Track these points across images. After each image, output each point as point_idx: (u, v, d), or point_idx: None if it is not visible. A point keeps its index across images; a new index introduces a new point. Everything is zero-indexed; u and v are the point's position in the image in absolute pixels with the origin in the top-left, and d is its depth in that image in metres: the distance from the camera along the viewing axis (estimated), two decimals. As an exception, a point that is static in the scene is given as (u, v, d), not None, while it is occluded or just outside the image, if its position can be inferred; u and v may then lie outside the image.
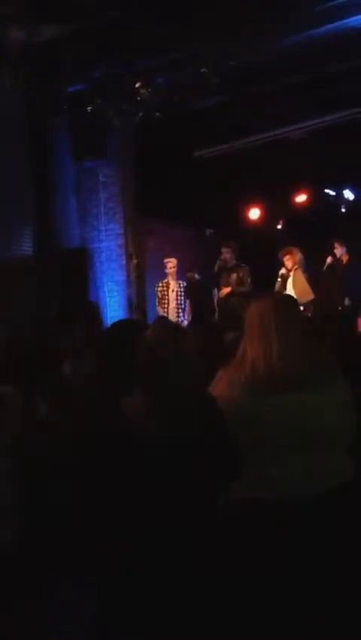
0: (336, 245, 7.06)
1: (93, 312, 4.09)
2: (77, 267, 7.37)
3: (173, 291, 7.42)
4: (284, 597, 1.94)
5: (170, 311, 7.35)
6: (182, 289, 7.47)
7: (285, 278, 7.11)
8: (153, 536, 1.76)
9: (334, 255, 7.28)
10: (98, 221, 7.84)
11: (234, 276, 7.22)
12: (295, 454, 1.99)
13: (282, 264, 7.20)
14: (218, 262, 7.34)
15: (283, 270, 7.18)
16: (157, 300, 7.56)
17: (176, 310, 7.36)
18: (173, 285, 7.45)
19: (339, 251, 7.02)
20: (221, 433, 1.88)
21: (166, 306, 7.42)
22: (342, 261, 7.25)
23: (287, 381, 2.00)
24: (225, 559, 1.86)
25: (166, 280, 7.51)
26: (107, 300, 7.82)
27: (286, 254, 7.14)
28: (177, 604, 1.76)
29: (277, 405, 1.99)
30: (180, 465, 1.78)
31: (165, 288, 7.48)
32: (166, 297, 7.44)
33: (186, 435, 1.81)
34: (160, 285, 7.53)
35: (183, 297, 7.46)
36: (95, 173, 7.77)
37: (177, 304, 7.41)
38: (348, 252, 7.11)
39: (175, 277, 7.46)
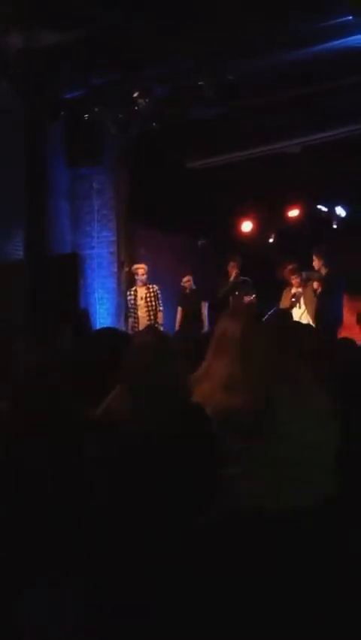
0: (315, 257, 7.05)
1: (79, 323, 4.07)
2: (69, 273, 7.36)
3: (141, 298, 7.31)
4: (267, 611, 1.92)
5: (140, 319, 7.24)
6: (152, 293, 7.33)
7: (298, 296, 7.10)
8: (130, 539, 1.75)
9: (312, 268, 7.25)
10: (90, 227, 7.85)
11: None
12: (279, 466, 1.99)
13: (289, 283, 7.18)
14: (234, 277, 7.45)
15: (294, 289, 7.14)
16: (127, 309, 7.45)
17: (147, 317, 7.24)
18: (141, 291, 7.34)
19: (317, 263, 7.02)
20: (204, 439, 1.88)
21: (134, 314, 7.30)
22: (320, 273, 7.20)
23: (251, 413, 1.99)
24: (206, 570, 1.85)
25: (134, 288, 7.39)
26: (97, 307, 7.81)
27: (292, 272, 7.12)
28: (158, 610, 1.75)
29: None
30: (160, 465, 1.78)
31: (133, 297, 7.36)
32: (134, 306, 7.32)
33: (167, 436, 1.81)
34: (129, 293, 7.42)
35: (154, 302, 7.32)
36: (89, 180, 7.79)
37: (148, 310, 7.27)
38: (326, 264, 7.07)
39: (146, 283, 7.34)
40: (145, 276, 7.31)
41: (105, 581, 1.77)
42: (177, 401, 1.90)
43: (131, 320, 7.37)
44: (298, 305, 7.09)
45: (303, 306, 7.00)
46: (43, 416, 1.97)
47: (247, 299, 7.51)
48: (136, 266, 7.41)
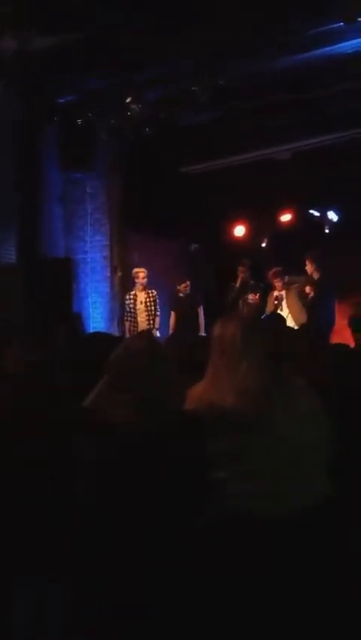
0: (307, 262, 7.08)
1: (73, 324, 4.08)
2: (62, 277, 7.36)
3: (141, 302, 7.35)
4: (258, 615, 1.93)
5: (139, 323, 7.28)
6: (151, 298, 7.39)
7: (280, 299, 7.14)
8: (121, 541, 1.76)
9: (305, 272, 7.29)
10: (84, 232, 7.85)
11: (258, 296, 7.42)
12: (272, 468, 2.00)
13: (272, 286, 7.24)
14: (241, 280, 7.49)
15: (276, 292, 7.20)
16: (125, 313, 7.48)
17: (147, 321, 7.29)
18: (141, 296, 7.39)
19: (310, 268, 7.05)
20: (193, 442, 1.89)
21: (132, 318, 7.32)
22: (313, 278, 7.24)
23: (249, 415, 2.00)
24: (198, 572, 1.86)
25: (133, 292, 7.43)
26: (91, 311, 7.81)
27: (275, 275, 7.18)
28: (146, 609, 1.76)
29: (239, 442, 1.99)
30: (152, 467, 1.79)
31: (132, 301, 7.41)
32: (133, 310, 7.34)
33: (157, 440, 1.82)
34: (128, 297, 7.45)
35: (153, 306, 7.38)
36: (83, 184, 7.80)
37: (147, 315, 7.33)
38: (318, 269, 7.11)
39: (146, 287, 7.40)
40: (145, 280, 7.36)
41: (94, 582, 1.77)
42: (166, 405, 1.91)
43: (128, 324, 7.39)
44: (280, 308, 7.12)
45: (285, 309, 7.04)
46: (44, 415, 1.98)
47: (251, 297, 7.55)
48: (136, 270, 7.44)
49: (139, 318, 7.30)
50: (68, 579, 1.84)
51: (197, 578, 1.83)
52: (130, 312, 7.38)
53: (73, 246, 7.84)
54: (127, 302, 7.43)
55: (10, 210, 6.91)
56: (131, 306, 7.37)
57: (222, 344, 2.11)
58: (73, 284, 7.56)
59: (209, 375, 2.13)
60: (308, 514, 1.99)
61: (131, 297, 7.41)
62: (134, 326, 7.30)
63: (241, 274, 7.65)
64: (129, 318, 7.38)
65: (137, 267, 7.53)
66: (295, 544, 1.97)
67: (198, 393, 2.11)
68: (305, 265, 7.14)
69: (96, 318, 7.80)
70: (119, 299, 7.82)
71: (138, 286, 7.38)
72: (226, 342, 2.10)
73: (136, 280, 7.39)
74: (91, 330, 7.44)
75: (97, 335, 3.66)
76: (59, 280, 7.26)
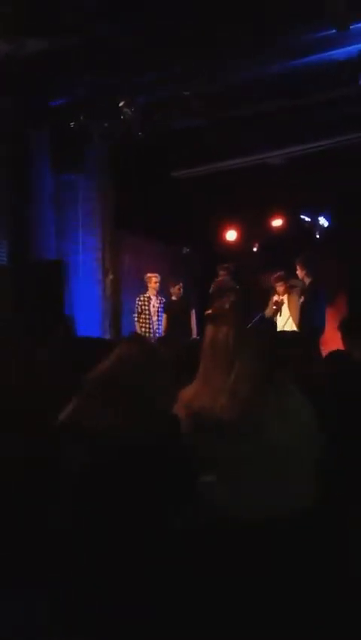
0: (298, 267, 7.10)
1: (69, 325, 4.07)
2: (53, 280, 7.35)
3: (154, 306, 7.54)
4: (254, 618, 1.93)
5: (152, 325, 7.42)
6: (161, 305, 7.59)
7: (280, 304, 7.13)
8: (107, 548, 1.75)
9: (296, 277, 7.30)
10: (75, 234, 7.83)
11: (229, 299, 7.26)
12: (260, 475, 2.00)
13: (274, 290, 7.23)
14: (213, 284, 7.45)
15: (275, 297, 7.19)
16: (136, 314, 7.59)
17: (156, 324, 7.49)
18: (154, 300, 7.55)
19: (301, 273, 7.07)
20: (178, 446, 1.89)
21: (146, 320, 7.46)
22: (304, 283, 7.26)
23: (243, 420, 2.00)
24: (185, 579, 1.85)
25: (147, 295, 7.59)
26: (81, 314, 7.79)
27: (278, 279, 7.16)
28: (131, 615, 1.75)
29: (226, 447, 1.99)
30: (138, 473, 1.78)
31: (145, 303, 7.54)
32: (146, 312, 7.49)
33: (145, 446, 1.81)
34: (141, 298, 7.59)
35: (161, 313, 7.60)
36: (75, 187, 7.78)
37: (158, 319, 7.53)
38: (309, 274, 7.12)
39: (157, 293, 7.58)
40: (158, 285, 7.55)
41: (78, 589, 1.76)
42: (155, 410, 1.89)
43: (139, 325, 7.53)
44: (279, 313, 7.13)
45: (286, 314, 7.05)
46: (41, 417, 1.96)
47: (225, 300, 7.46)
48: (149, 275, 7.60)
49: (152, 320, 7.52)
50: (53, 586, 1.81)
51: (184, 583, 1.83)
52: (142, 313, 7.49)
53: (64, 248, 7.81)
54: (140, 304, 7.54)
55: (1, 212, 6.90)
56: (145, 308, 7.48)
57: (214, 345, 2.11)
58: (64, 286, 7.54)
59: (200, 377, 2.13)
60: (295, 517, 1.99)
61: (145, 299, 7.52)
62: (147, 328, 7.40)
63: (220, 277, 7.59)
64: (142, 321, 7.49)
65: (150, 272, 7.71)
66: (283, 548, 1.97)
67: (188, 396, 2.11)
68: (296, 270, 7.17)
69: (87, 321, 7.78)
70: (110, 302, 7.84)
71: (151, 290, 7.55)
72: (219, 343, 2.10)
73: (149, 285, 7.58)
74: (81, 334, 7.42)
75: (88, 339, 3.65)
76: (50, 282, 7.24)
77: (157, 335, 7.34)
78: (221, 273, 7.63)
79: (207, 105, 6.50)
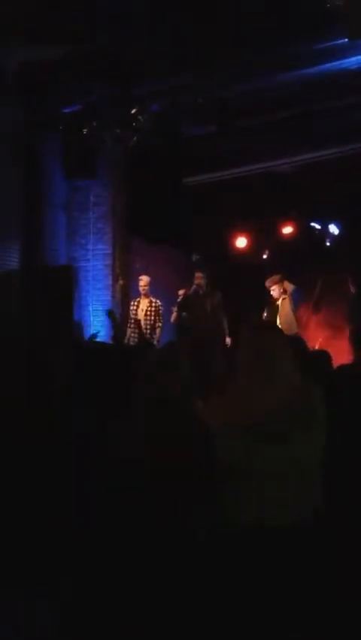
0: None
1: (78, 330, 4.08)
2: (63, 285, 7.38)
3: (142, 310, 7.30)
4: (261, 623, 1.92)
5: (140, 332, 7.23)
6: (153, 308, 7.32)
7: (274, 307, 7.13)
8: (125, 552, 1.76)
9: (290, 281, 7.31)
10: (86, 240, 7.87)
11: (208, 302, 7.12)
12: (275, 482, 2.00)
13: (268, 293, 7.24)
14: (194, 287, 7.17)
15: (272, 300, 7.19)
16: (129, 319, 7.43)
17: (146, 331, 7.21)
18: (143, 304, 7.35)
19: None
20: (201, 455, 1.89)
21: (134, 326, 7.25)
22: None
23: (276, 427, 2.00)
24: (203, 584, 1.85)
25: (138, 299, 7.42)
26: (91, 320, 7.81)
27: (272, 283, 7.17)
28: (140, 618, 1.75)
29: (266, 456, 1.99)
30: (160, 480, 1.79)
31: (134, 307, 7.39)
32: (135, 317, 7.30)
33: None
34: (133, 303, 7.45)
35: (153, 316, 7.31)
36: (86, 193, 7.83)
37: (145, 323, 7.24)
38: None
39: (148, 295, 7.37)
40: (147, 288, 7.34)
41: (91, 595, 1.76)
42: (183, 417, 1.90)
43: (129, 330, 7.37)
44: (273, 317, 7.09)
45: (277, 319, 7.02)
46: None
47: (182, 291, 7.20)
48: (139, 277, 7.45)
49: (137, 327, 7.28)
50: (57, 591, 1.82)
51: (196, 587, 1.83)
52: (131, 319, 7.38)
53: (75, 253, 7.86)
54: (131, 308, 7.44)
55: (13, 217, 6.95)
56: (134, 312, 7.38)
57: (258, 354, 2.10)
58: (74, 291, 7.57)
59: (240, 386, 2.10)
60: (308, 525, 1.99)
61: (135, 304, 7.42)
62: (134, 333, 7.29)
63: (197, 280, 7.21)
64: (131, 326, 7.37)
65: (131, 276, 7.54)
66: (296, 555, 1.97)
67: (226, 404, 2.09)
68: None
69: (96, 326, 7.80)
70: (120, 308, 7.82)
71: (141, 294, 7.38)
72: (264, 352, 2.08)
73: (139, 287, 7.40)
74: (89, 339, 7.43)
75: (97, 344, 3.66)
76: (60, 288, 7.27)
77: (152, 338, 7.17)
78: (198, 275, 7.20)
79: (219, 112, 6.52)
